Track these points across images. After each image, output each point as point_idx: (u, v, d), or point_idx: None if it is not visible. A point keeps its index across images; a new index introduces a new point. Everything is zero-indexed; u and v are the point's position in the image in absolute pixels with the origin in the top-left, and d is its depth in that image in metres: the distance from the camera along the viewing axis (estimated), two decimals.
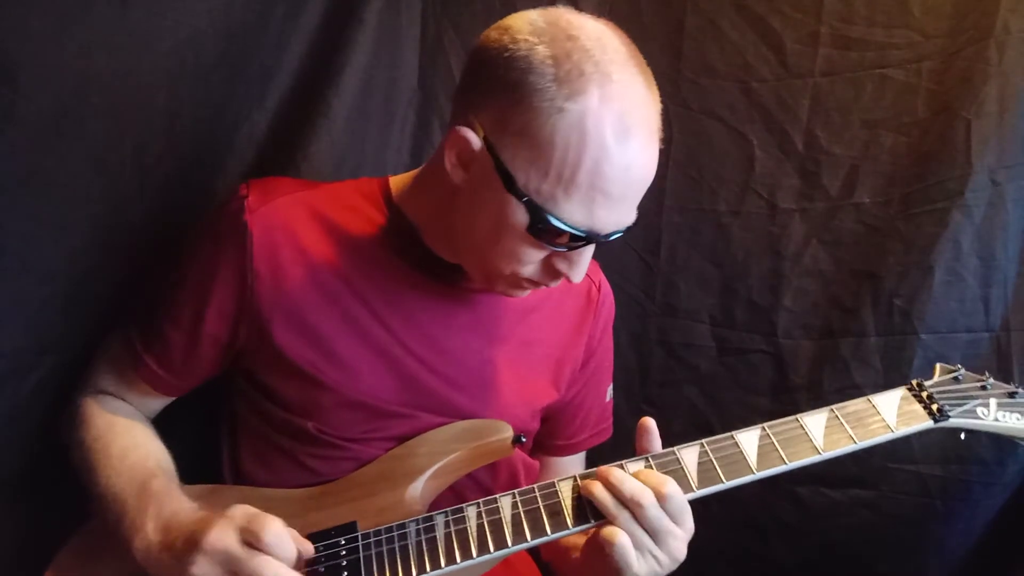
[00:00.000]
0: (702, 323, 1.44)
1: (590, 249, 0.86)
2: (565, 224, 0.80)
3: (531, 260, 0.86)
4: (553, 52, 0.78)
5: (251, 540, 0.76)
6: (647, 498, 0.81)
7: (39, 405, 0.98)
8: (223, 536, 0.76)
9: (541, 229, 0.81)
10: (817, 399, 1.39)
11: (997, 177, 1.24)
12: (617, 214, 0.82)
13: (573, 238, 0.82)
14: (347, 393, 0.93)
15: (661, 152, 0.83)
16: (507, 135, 0.80)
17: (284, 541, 0.77)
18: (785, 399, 1.41)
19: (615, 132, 0.77)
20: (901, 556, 1.40)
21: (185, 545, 0.77)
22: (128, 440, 0.93)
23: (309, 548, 0.82)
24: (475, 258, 0.91)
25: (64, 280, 0.96)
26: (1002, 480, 1.31)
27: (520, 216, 0.81)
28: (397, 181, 0.99)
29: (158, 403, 1.02)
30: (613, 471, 0.84)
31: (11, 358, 0.94)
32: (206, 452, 1.03)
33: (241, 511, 0.79)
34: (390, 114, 1.34)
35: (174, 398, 1.02)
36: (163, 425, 1.00)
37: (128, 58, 0.93)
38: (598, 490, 0.83)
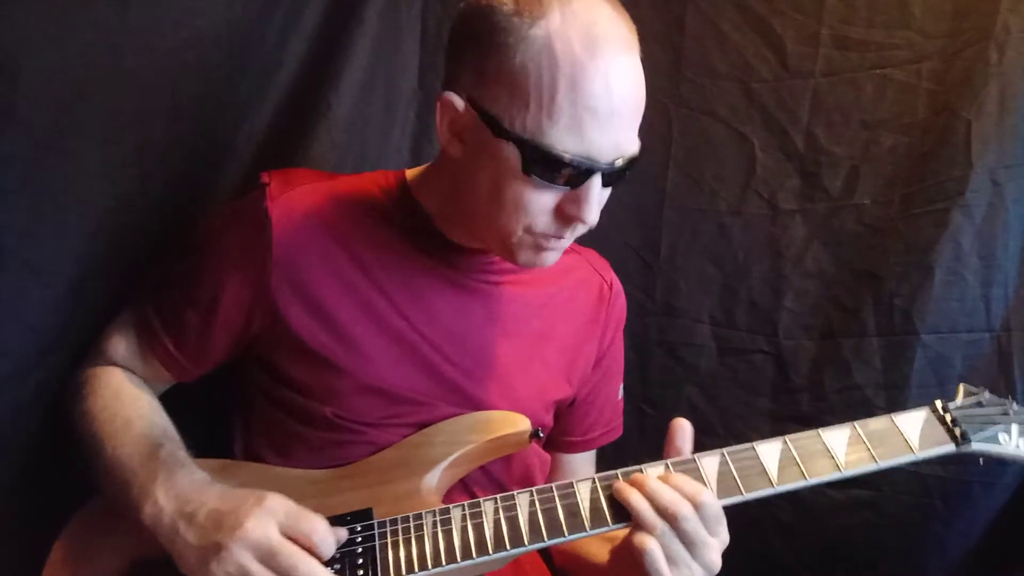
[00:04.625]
0: (702, 323, 1.44)
1: (596, 184, 0.82)
2: (558, 153, 0.78)
3: (538, 208, 0.83)
4: None
5: (298, 538, 0.77)
6: (684, 508, 0.80)
7: (40, 405, 0.98)
8: (263, 528, 0.77)
9: (536, 165, 0.79)
10: (818, 399, 1.39)
11: (997, 177, 1.24)
12: (611, 135, 0.79)
13: (572, 171, 0.79)
14: (363, 378, 0.93)
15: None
16: (485, 85, 0.81)
17: (329, 540, 0.79)
18: (786, 399, 1.41)
19: (584, 46, 0.76)
20: (901, 556, 1.40)
21: (212, 525, 0.78)
22: (134, 411, 0.93)
23: (343, 533, 0.84)
24: (487, 226, 0.89)
25: (64, 280, 0.95)
26: (1002, 480, 1.31)
27: (514, 159, 0.80)
28: (413, 173, 1.01)
29: (165, 385, 1.02)
30: (649, 479, 0.82)
31: (12, 358, 0.93)
32: (217, 439, 1.03)
33: (282, 505, 0.79)
34: (390, 114, 1.34)
35: (182, 381, 1.01)
36: (172, 414, 0.98)
37: (128, 58, 0.93)
38: (635, 498, 0.82)
